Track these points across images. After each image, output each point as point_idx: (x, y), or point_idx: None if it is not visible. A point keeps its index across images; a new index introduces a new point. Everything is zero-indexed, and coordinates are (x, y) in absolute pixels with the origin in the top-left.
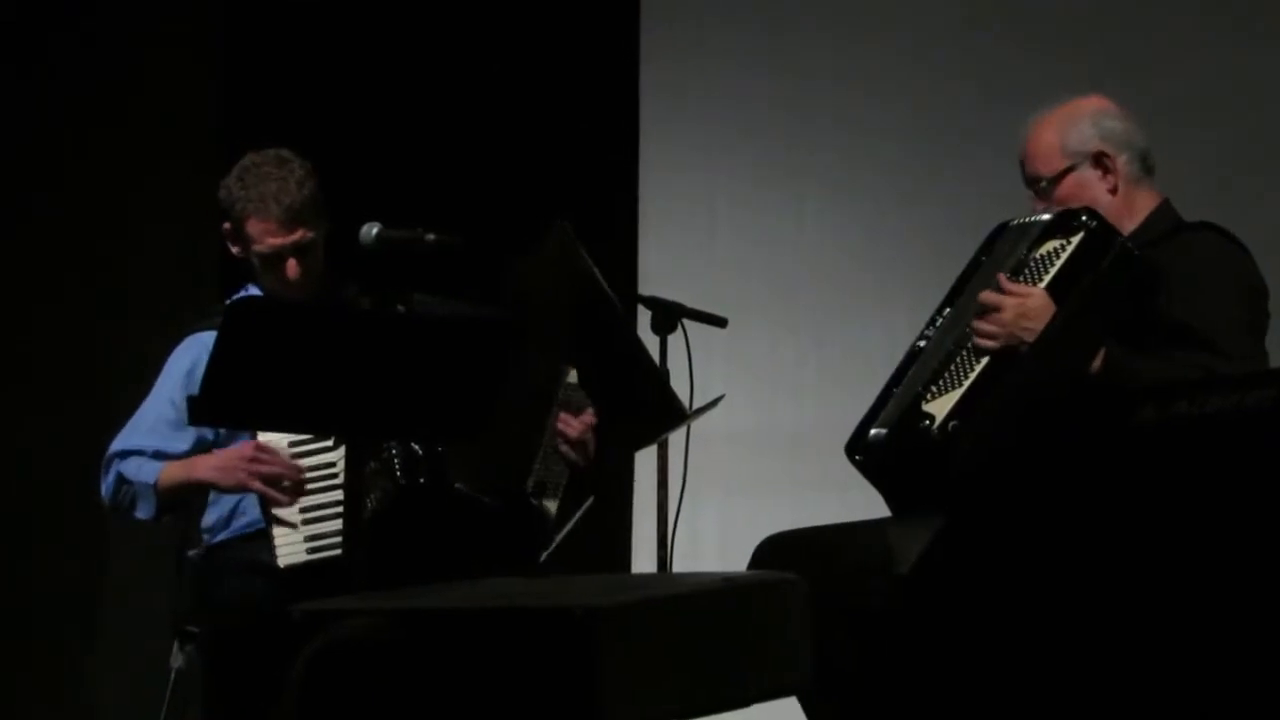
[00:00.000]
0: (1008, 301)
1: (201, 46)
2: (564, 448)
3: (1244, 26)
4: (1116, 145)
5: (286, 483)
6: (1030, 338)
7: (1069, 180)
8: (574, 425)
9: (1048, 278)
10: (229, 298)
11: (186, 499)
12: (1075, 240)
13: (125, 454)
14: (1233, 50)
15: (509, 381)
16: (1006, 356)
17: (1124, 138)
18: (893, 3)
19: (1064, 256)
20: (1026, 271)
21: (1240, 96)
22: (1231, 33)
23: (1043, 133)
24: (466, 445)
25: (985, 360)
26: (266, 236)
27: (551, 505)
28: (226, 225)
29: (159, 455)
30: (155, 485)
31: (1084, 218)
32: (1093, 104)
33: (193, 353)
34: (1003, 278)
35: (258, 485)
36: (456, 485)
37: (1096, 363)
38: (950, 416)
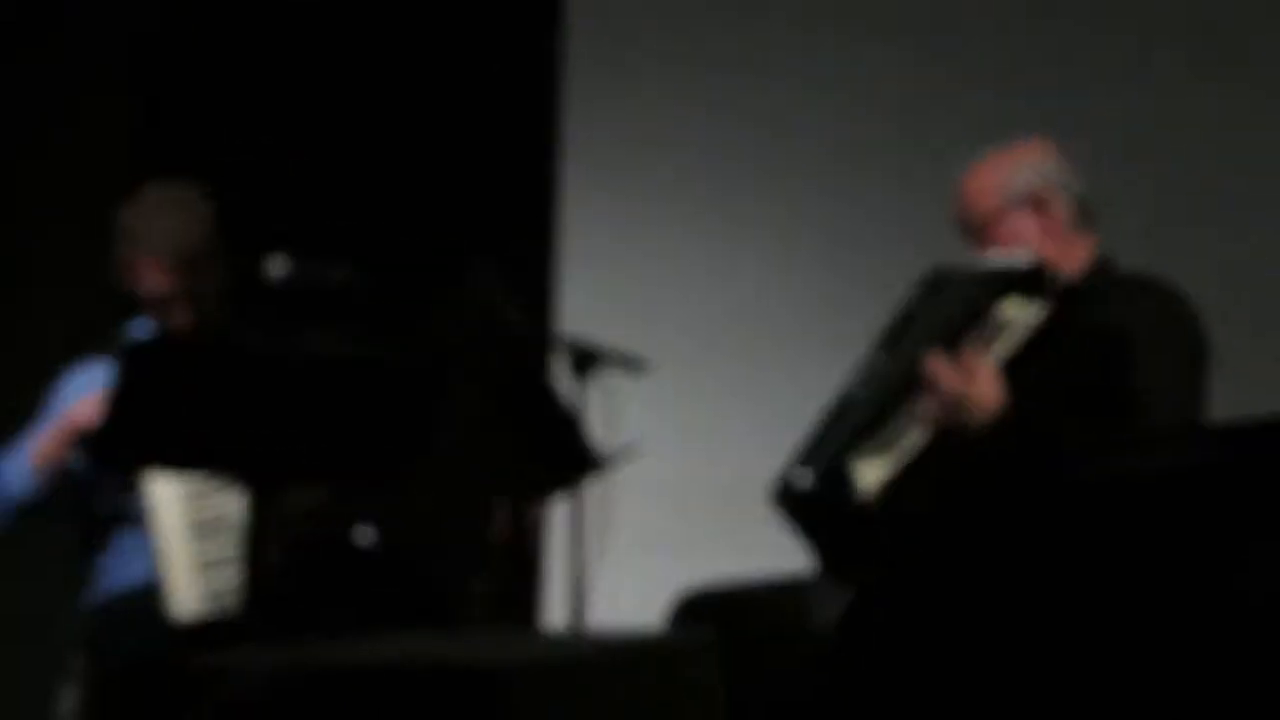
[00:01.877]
0: (952, 380)
1: (108, 80)
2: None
3: (1182, 64)
4: (1054, 189)
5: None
6: (974, 424)
7: (1004, 224)
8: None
9: (1003, 349)
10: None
11: (60, 469)
12: (1036, 307)
13: None
14: (1166, 87)
15: (424, 428)
16: (945, 433)
17: (1062, 182)
18: (827, 38)
19: (1027, 329)
20: (979, 332)
21: (1177, 134)
22: (1169, 69)
23: (979, 174)
24: (380, 494)
25: (922, 436)
26: (156, 277)
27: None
28: (121, 256)
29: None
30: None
31: (1048, 281)
32: (1031, 147)
33: (69, 391)
34: (968, 352)
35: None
36: (363, 537)
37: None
38: (879, 487)
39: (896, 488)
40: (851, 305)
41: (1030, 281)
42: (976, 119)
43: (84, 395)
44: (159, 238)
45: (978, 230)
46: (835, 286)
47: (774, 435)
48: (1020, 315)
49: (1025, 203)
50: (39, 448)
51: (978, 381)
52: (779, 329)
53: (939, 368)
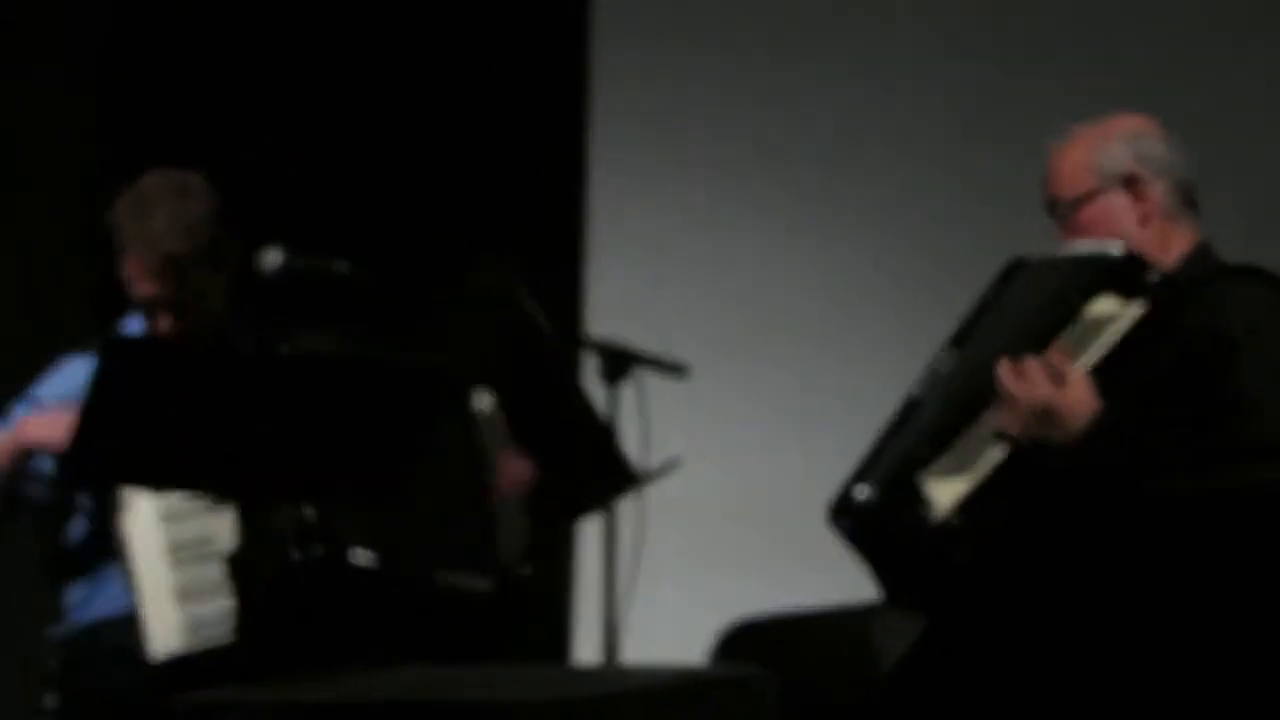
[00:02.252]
0: (1038, 390)
1: (77, 57)
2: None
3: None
4: (1154, 170)
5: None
6: (1060, 437)
7: (1094, 205)
8: (519, 475)
9: (1094, 355)
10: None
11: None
12: (1136, 310)
13: None
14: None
15: (430, 439)
16: (1027, 449)
17: (1163, 163)
18: (879, 22)
19: (1120, 331)
20: (1068, 336)
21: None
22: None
23: (1070, 150)
24: (376, 512)
25: (1002, 450)
26: (140, 280)
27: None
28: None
29: None
30: None
31: (1150, 279)
32: (1130, 123)
33: (62, 379)
34: (1055, 352)
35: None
36: (357, 558)
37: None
38: (955, 510)
39: (974, 507)
40: (906, 305)
41: (1125, 276)
42: (1040, 105)
43: (66, 386)
44: (145, 238)
45: (1064, 214)
46: (887, 286)
47: (830, 443)
48: (1114, 314)
49: (1118, 183)
50: None
51: (1068, 388)
52: (833, 324)
53: (1023, 371)
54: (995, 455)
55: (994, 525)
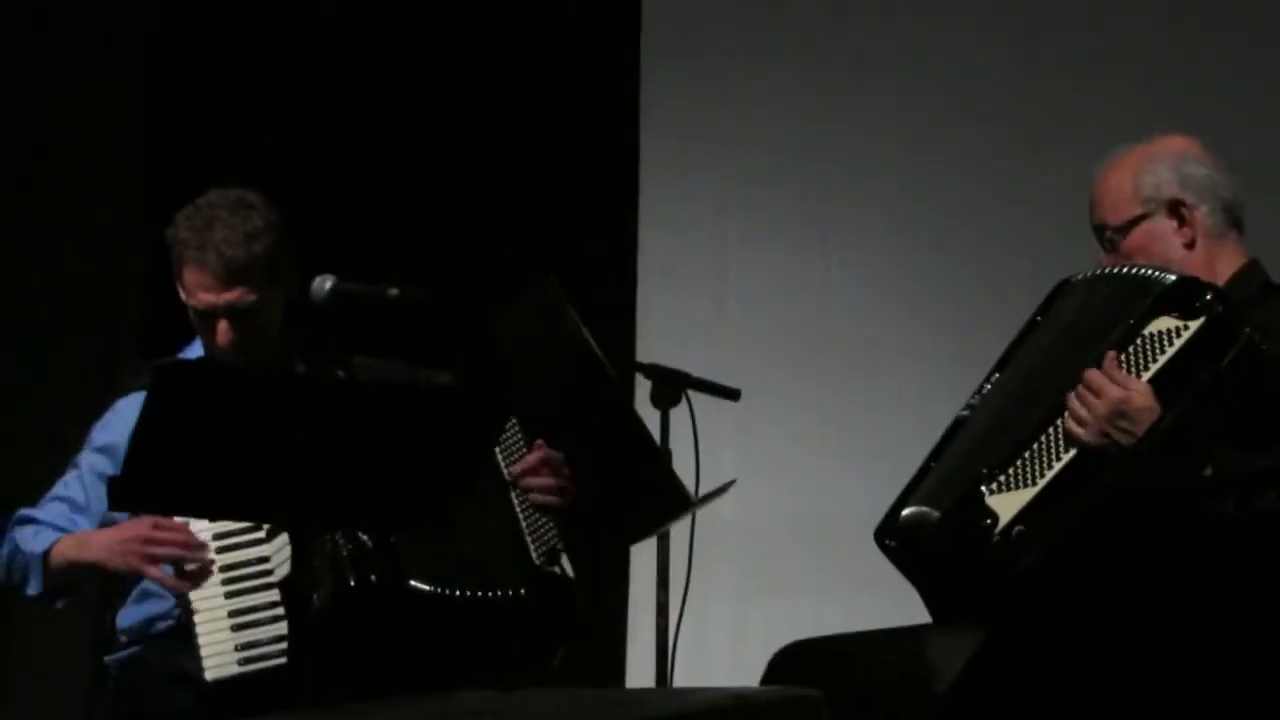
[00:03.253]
0: (1109, 391)
1: (121, 79)
2: (537, 498)
3: None
4: (1197, 193)
5: (190, 566)
6: (1126, 441)
7: (1140, 230)
8: (539, 474)
9: (1155, 367)
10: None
11: (78, 580)
12: (1194, 325)
13: (26, 520)
14: None
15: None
16: (1092, 457)
17: (1207, 185)
18: (933, 34)
19: (1178, 344)
20: (1131, 350)
21: None
22: None
23: (1114, 174)
24: (429, 535)
25: (1067, 458)
26: (199, 290)
27: (566, 564)
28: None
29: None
30: (45, 557)
31: (1208, 297)
32: (1174, 144)
33: (111, 427)
34: (1111, 359)
35: (153, 571)
36: (413, 583)
37: (1205, 472)
38: (1017, 520)
39: (1036, 517)
40: (959, 325)
41: (1183, 298)
42: (1098, 119)
43: (124, 429)
44: (206, 246)
45: (1111, 241)
46: (941, 307)
47: (879, 467)
48: (1173, 329)
49: (1162, 208)
50: (63, 557)
51: (1135, 394)
52: (883, 350)
53: (1097, 378)
54: (1056, 466)
55: (1055, 535)
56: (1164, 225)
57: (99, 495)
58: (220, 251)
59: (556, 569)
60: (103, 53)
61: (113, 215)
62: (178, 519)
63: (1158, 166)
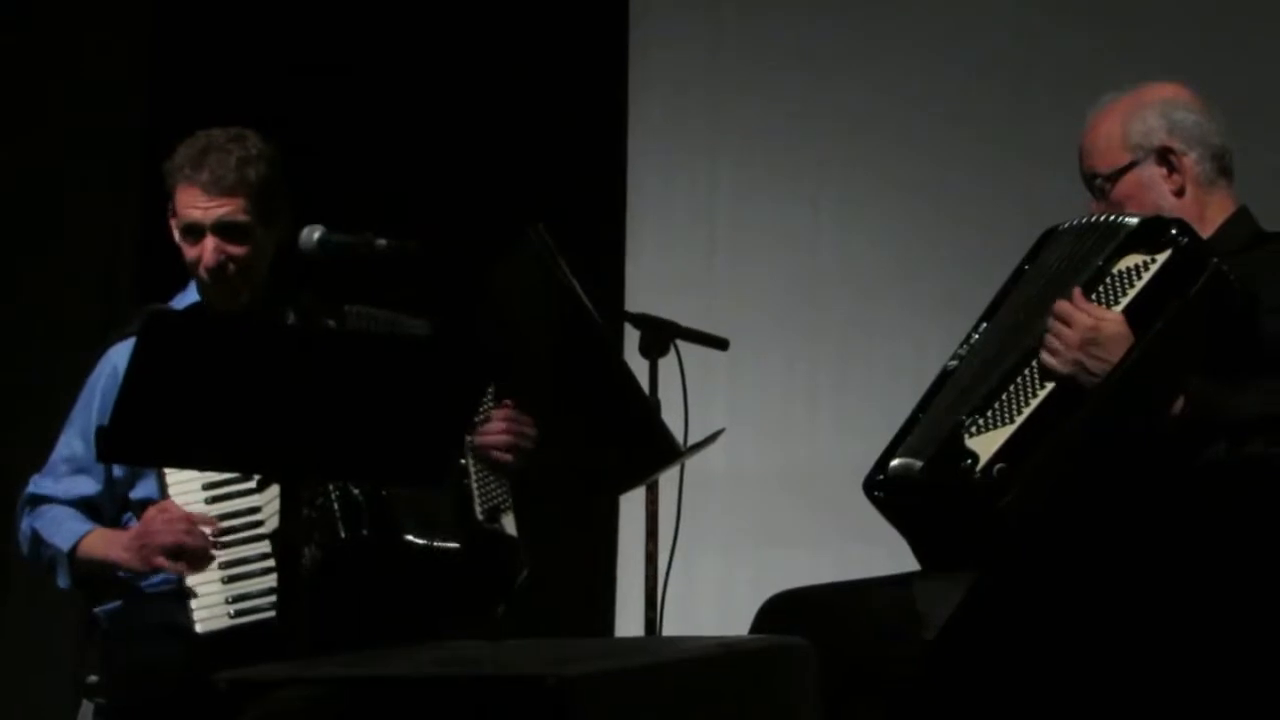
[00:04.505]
0: (1079, 320)
1: (125, 32)
2: (493, 455)
3: None
4: (1186, 141)
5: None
6: (1099, 369)
7: (1129, 178)
8: (495, 431)
9: (1125, 300)
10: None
11: (105, 573)
12: (1161, 258)
13: (38, 500)
14: None
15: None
16: (1068, 389)
17: (1196, 132)
18: None
19: (1146, 276)
20: (1101, 288)
21: None
22: None
23: (1103, 122)
24: (420, 490)
25: (1043, 394)
26: (189, 207)
27: (508, 523)
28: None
29: (75, 504)
30: (71, 555)
31: (1173, 231)
32: (1163, 91)
33: (105, 373)
34: (1078, 292)
35: (165, 562)
36: (409, 538)
37: (1178, 405)
38: (996, 458)
39: (1015, 453)
40: (948, 276)
41: (1148, 235)
42: (1085, 70)
43: (117, 376)
44: (202, 166)
45: (1100, 189)
46: (930, 258)
47: (868, 416)
48: (1141, 264)
49: (1151, 156)
50: (89, 555)
51: (1107, 321)
52: (872, 298)
53: (1066, 308)
54: (1033, 402)
55: (1037, 470)
56: (1153, 173)
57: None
58: (213, 170)
59: (497, 526)
60: (105, 13)
61: (109, 168)
62: (180, 490)
63: (1146, 114)
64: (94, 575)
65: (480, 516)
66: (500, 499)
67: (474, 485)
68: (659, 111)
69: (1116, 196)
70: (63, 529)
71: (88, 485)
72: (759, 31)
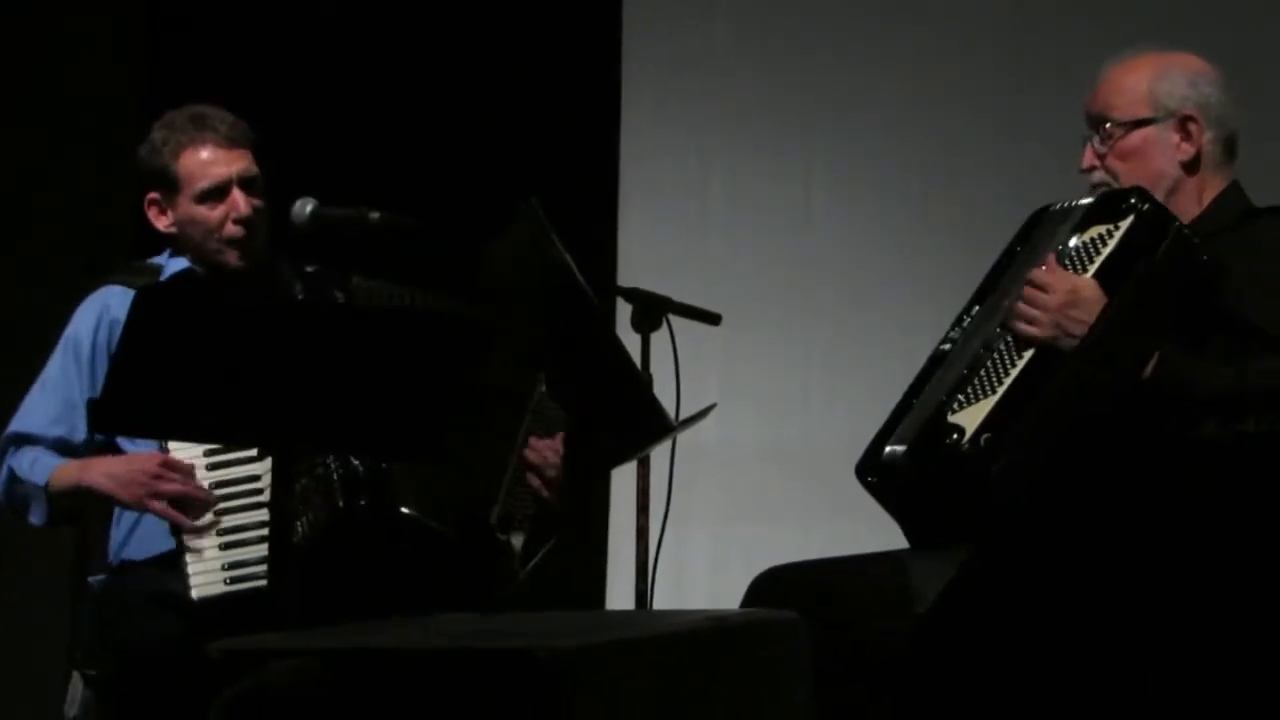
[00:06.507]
0: (1055, 285)
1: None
2: (532, 477)
3: None
4: (1208, 117)
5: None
6: (1078, 331)
7: (1143, 133)
8: (546, 453)
9: (1095, 264)
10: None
11: (83, 507)
12: (1125, 224)
13: (19, 440)
14: None
15: (472, 391)
16: (1047, 357)
17: (1218, 112)
18: None
19: (1113, 241)
20: (1069, 261)
21: None
22: None
23: (1130, 72)
24: (421, 465)
25: (1023, 361)
26: (208, 167)
27: (517, 541)
28: (152, 194)
29: (59, 445)
30: (46, 487)
31: (1132, 199)
32: (1196, 64)
33: (96, 308)
34: (1052, 259)
35: (158, 506)
36: (404, 510)
37: (1150, 367)
38: (982, 428)
39: (1000, 423)
40: (941, 254)
41: (1108, 207)
42: (1088, 48)
43: (92, 322)
44: (212, 127)
45: (1109, 134)
46: (923, 235)
47: (860, 393)
48: (1105, 233)
49: (1172, 119)
50: (64, 483)
51: (1083, 284)
52: (865, 274)
53: (1042, 275)
54: (1014, 371)
55: (1023, 437)
56: (1169, 136)
57: (80, 385)
58: (217, 128)
59: (504, 536)
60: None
61: (99, 121)
62: (181, 458)
63: (1177, 77)
64: (72, 508)
65: (493, 520)
66: (518, 511)
67: (503, 490)
68: (652, 86)
69: (1123, 147)
70: (39, 464)
71: (76, 428)
72: (752, 9)
